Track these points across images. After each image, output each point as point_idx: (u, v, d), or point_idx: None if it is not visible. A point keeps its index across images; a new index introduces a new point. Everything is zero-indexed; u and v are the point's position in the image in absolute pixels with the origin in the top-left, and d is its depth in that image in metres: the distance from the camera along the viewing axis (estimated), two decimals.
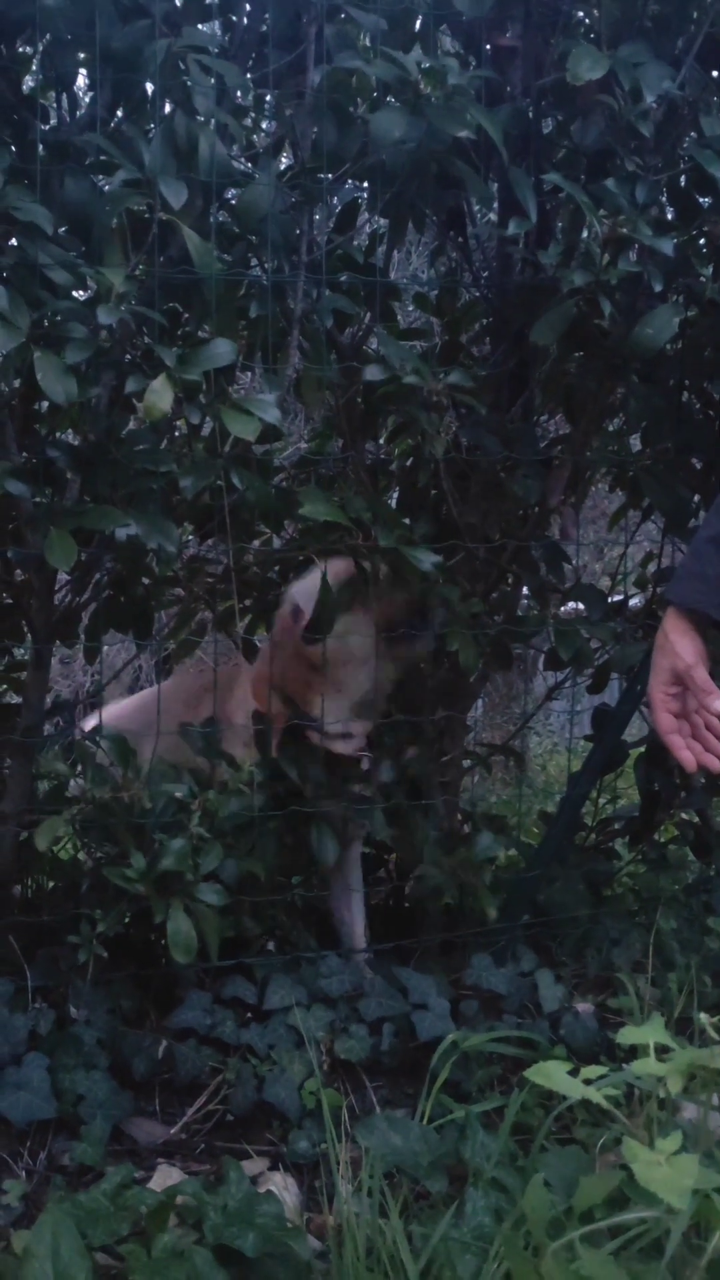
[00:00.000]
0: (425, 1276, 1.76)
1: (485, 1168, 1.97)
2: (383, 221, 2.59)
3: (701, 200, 2.55)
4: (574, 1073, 1.81)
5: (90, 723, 2.64)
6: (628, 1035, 1.95)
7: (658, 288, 2.33)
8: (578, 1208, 1.77)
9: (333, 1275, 1.78)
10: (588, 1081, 1.80)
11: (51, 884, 2.60)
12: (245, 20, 2.36)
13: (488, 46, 2.48)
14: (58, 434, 2.28)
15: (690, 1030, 2.35)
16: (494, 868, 2.59)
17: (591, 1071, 1.83)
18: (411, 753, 2.62)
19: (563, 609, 2.91)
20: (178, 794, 2.24)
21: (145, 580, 2.53)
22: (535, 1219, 1.74)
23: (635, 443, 2.94)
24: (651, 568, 3.09)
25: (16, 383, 2.13)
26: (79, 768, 2.31)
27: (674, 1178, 1.61)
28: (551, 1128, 2.06)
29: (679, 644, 1.93)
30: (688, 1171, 1.62)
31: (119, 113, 2.23)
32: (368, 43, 2.32)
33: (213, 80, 2.08)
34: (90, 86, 2.26)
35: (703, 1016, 2.28)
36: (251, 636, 2.98)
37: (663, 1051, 1.91)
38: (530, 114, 2.50)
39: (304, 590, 2.47)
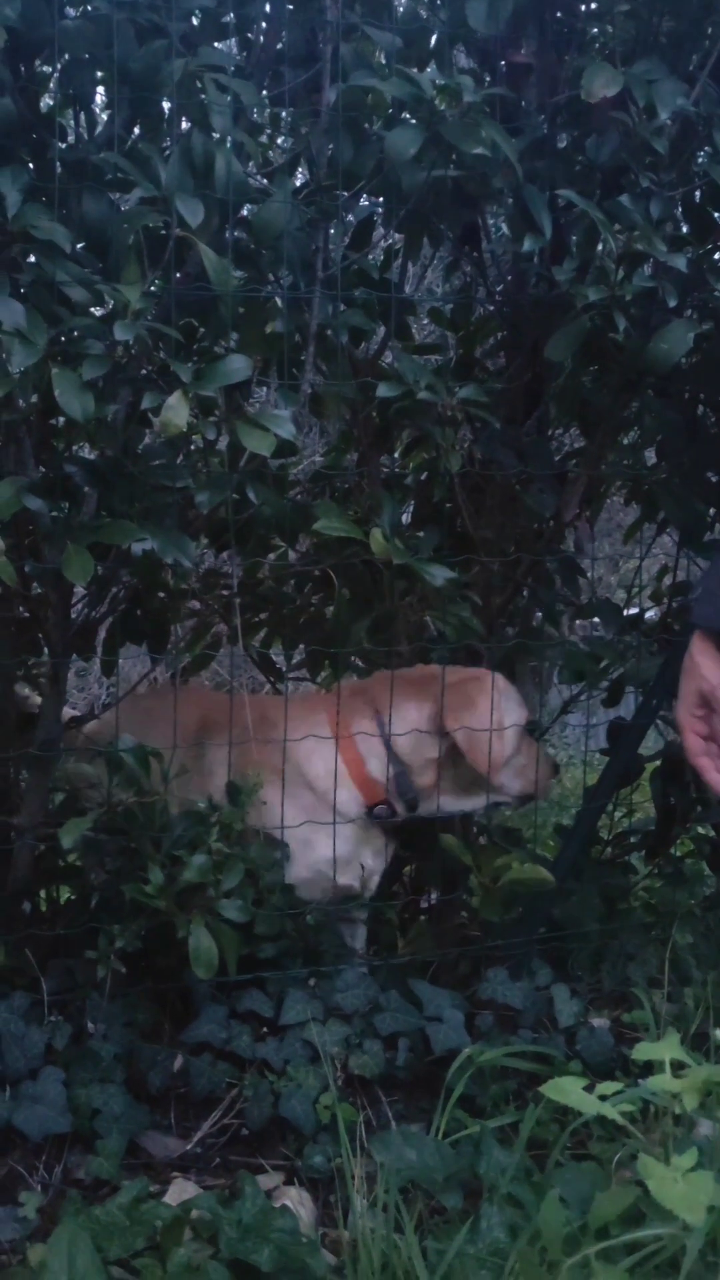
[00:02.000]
0: None
1: (500, 1183, 1.97)
2: (398, 237, 2.60)
3: (716, 215, 2.56)
4: (589, 1088, 1.81)
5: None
6: (643, 1051, 1.95)
7: (672, 303, 2.34)
8: (593, 1224, 1.76)
9: None
10: (603, 1097, 1.80)
11: (66, 897, 2.61)
12: (261, 39, 2.38)
13: (502, 64, 2.49)
14: (75, 449, 2.29)
15: (706, 1046, 2.34)
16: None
17: (607, 1087, 1.83)
18: None
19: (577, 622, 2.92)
20: (200, 805, 2.25)
21: (161, 594, 2.55)
22: (550, 1235, 1.73)
23: (650, 456, 2.95)
24: (666, 581, 3.09)
25: (34, 399, 2.14)
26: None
27: (690, 1194, 1.61)
28: (567, 1143, 2.06)
29: (704, 666, 1.92)
30: (704, 1188, 1.62)
31: (136, 131, 2.24)
32: (383, 60, 2.34)
33: (229, 98, 2.09)
34: (108, 105, 2.28)
35: (719, 1032, 2.28)
36: (267, 650, 2.99)
37: (679, 1067, 1.90)
38: (545, 130, 2.51)
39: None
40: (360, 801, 2.48)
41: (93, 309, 2.05)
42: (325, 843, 2.44)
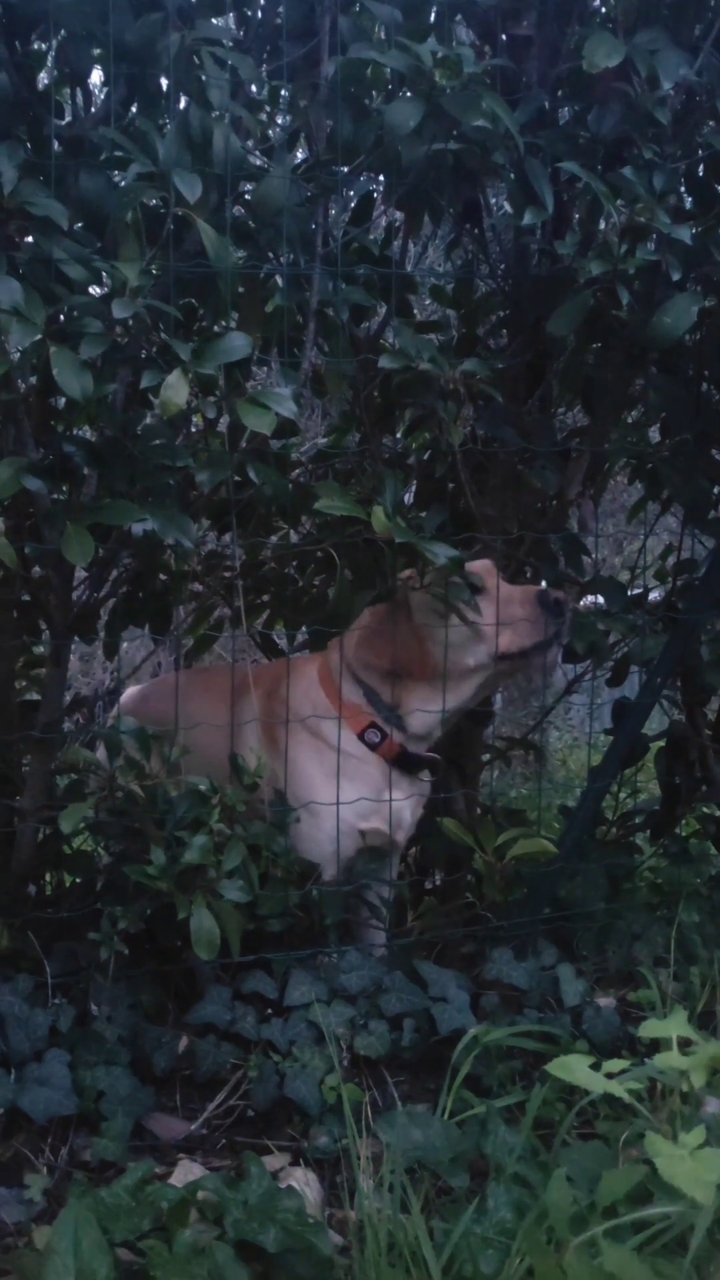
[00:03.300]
0: (447, 1272, 1.75)
1: (507, 1163, 1.97)
2: (398, 214, 2.58)
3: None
4: (596, 1067, 1.80)
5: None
6: (650, 1029, 1.95)
7: (676, 277, 2.32)
8: (600, 1203, 1.76)
9: (354, 1271, 1.78)
10: (609, 1075, 1.80)
11: (70, 880, 2.60)
12: (259, 13, 2.36)
13: (503, 36, 2.47)
14: (74, 430, 2.28)
15: (713, 1024, 2.34)
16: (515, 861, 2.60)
17: (613, 1065, 1.83)
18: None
19: (581, 602, 2.90)
20: (201, 787, 2.24)
21: (163, 575, 2.53)
22: (557, 1214, 1.73)
23: (654, 434, 2.93)
24: (671, 560, 3.07)
25: (33, 379, 2.12)
26: (100, 754, 2.32)
27: (698, 1172, 1.61)
28: (573, 1122, 2.06)
29: None
30: (711, 1166, 1.62)
31: (133, 107, 2.22)
32: (382, 34, 2.31)
33: (227, 73, 2.07)
34: (104, 81, 2.26)
35: None
36: (270, 631, 2.98)
37: (685, 1045, 1.90)
38: (546, 103, 2.48)
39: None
40: (349, 730, 2.52)
41: (91, 287, 2.04)
42: (346, 792, 2.46)
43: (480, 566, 2.51)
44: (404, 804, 2.55)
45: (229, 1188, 1.88)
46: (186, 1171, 2.03)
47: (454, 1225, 1.81)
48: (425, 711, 2.51)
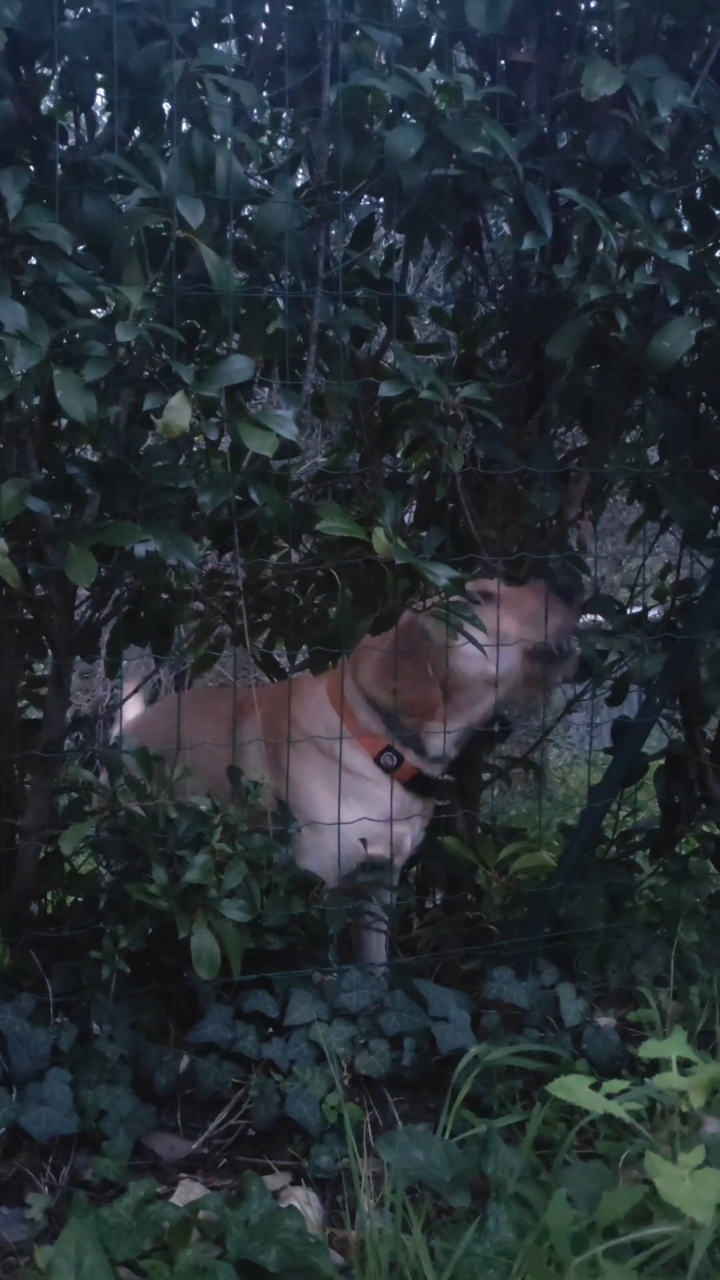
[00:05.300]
0: None
1: (507, 1182, 1.97)
2: (399, 237, 2.60)
3: (717, 213, 2.55)
4: (596, 1087, 1.81)
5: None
6: (650, 1049, 1.95)
7: (674, 300, 2.34)
8: (600, 1223, 1.76)
9: None
10: (610, 1096, 1.80)
11: (72, 899, 2.61)
12: (261, 39, 2.38)
13: (502, 62, 2.49)
14: (77, 451, 2.29)
15: (713, 1044, 2.34)
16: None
17: (614, 1086, 1.83)
18: None
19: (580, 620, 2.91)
20: (202, 807, 2.25)
21: (165, 595, 2.55)
22: (558, 1234, 1.73)
23: (653, 455, 2.94)
24: (670, 579, 3.08)
25: (36, 400, 2.14)
26: (103, 778, 2.33)
27: (697, 1192, 1.61)
28: (574, 1142, 2.06)
29: None
30: (711, 1186, 1.62)
31: (136, 132, 2.24)
32: (383, 60, 2.34)
33: (229, 99, 2.09)
34: (108, 107, 2.28)
35: None
36: (270, 651, 2.99)
37: (685, 1065, 1.90)
38: (545, 129, 2.51)
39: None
40: (365, 753, 2.52)
41: (94, 310, 2.05)
42: (351, 813, 2.47)
43: (483, 585, 2.54)
44: (408, 827, 2.56)
45: (230, 1207, 1.88)
46: (188, 1191, 2.03)
47: (455, 1245, 1.81)
48: (446, 731, 2.51)
